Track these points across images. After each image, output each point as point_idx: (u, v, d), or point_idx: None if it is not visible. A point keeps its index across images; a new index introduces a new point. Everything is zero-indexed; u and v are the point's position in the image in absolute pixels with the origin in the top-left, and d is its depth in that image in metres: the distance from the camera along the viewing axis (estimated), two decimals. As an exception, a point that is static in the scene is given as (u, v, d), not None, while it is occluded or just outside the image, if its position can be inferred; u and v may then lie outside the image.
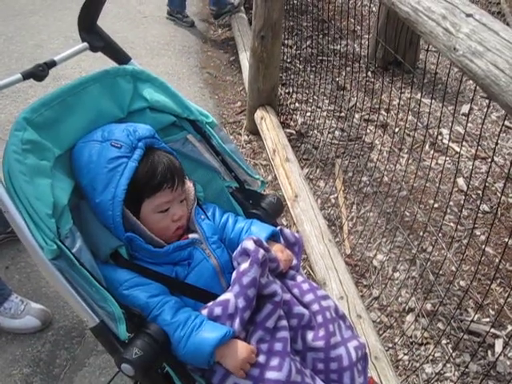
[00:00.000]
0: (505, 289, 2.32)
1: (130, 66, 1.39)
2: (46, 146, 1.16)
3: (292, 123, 3.37)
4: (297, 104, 3.51)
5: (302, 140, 3.22)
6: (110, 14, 4.45)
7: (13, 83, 1.24)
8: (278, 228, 1.36)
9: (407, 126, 3.28)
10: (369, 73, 3.75)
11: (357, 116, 3.38)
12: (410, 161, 3.02)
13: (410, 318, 2.20)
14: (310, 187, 2.64)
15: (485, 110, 3.46)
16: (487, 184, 2.86)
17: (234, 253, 1.24)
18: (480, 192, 2.82)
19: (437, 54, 3.87)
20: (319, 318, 1.24)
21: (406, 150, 3.12)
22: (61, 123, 1.22)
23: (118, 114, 1.32)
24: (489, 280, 2.33)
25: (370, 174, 2.93)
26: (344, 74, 3.49)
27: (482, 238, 2.57)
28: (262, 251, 1.18)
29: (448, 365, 2.03)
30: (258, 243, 1.20)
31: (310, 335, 1.22)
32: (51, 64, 1.31)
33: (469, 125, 3.35)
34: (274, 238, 1.33)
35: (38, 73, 1.28)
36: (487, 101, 3.55)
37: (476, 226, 2.62)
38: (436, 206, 2.72)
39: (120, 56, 1.44)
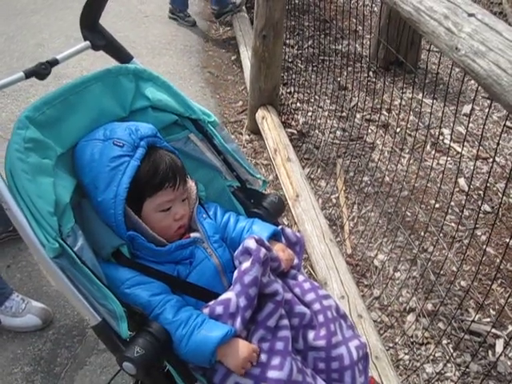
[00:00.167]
0: (506, 289, 2.32)
1: (132, 65, 1.39)
2: (48, 144, 1.16)
3: (293, 123, 3.37)
4: (298, 104, 3.51)
5: (304, 140, 3.22)
6: (112, 13, 4.45)
7: (15, 81, 1.24)
8: (280, 227, 1.36)
9: (408, 126, 3.28)
10: (370, 73, 3.75)
11: (358, 116, 3.38)
12: (411, 161, 3.02)
13: (410, 317, 2.20)
14: (311, 187, 2.64)
15: (486, 110, 3.46)
16: (488, 184, 2.86)
17: (236, 252, 1.24)
18: (481, 192, 2.82)
19: (438, 54, 3.87)
20: (320, 318, 1.24)
21: (407, 150, 3.12)
22: (63, 122, 1.22)
23: (120, 113, 1.32)
24: (490, 280, 2.33)
25: (371, 174, 2.93)
26: (345, 73, 3.48)
27: (483, 238, 2.57)
28: (263, 250, 1.18)
29: (449, 365, 2.03)
30: (259, 242, 1.20)
31: (311, 334, 1.22)
32: (53, 62, 1.31)
33: (470, 125, 3.35)
34: (275, 237, 1.33)
35: (41, 71, 1.28)
36: (488, 101, 3.55)
37: (477, 226, 2.62)
38: (437, 206, 2.72)
39: (122, 55, 1.44)
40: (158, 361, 1.12)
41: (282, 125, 3.10)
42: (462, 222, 2.62)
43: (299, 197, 2.48)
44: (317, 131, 3.26)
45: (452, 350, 2.07)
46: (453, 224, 2.63)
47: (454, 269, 2.39)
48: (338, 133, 3.23)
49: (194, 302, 1.20)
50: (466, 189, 2.84)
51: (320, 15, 4.18)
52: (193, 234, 1.28)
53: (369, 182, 2.86)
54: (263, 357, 1.14)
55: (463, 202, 2.72)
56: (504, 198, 2.78)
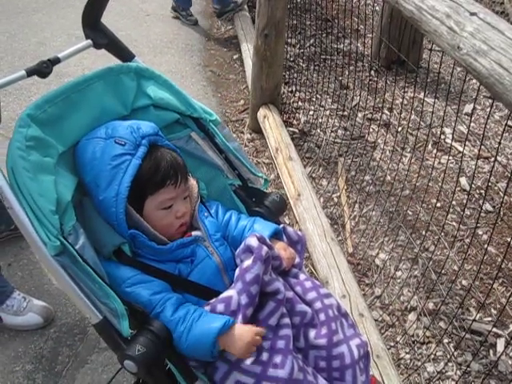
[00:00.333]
0: (507, 288, 2.32)
1: (134, 64, 1.39)
2: (50, 142, 1.17)
3: (295, 122, 3.37)
4: (300, 103, 3.50)
5: (305, 139, 3.22)
6: (113, 11, 4.45)
7: (17, 80, 1.24)
8: (281, 226, 1.36)
9: (410, 125, 3.28)
10: (372, 72, 3.75)
11: (360, 115, 3.38)
12: (412, 160, 3.01)
13: (411, 316, 2.20)
14: (312, 186, 2.64)
15: (488, 109, 3.46)
16: (490, 183, 2.86)
17: (237, 250, 1.24)
18: (483, 191, 2.82)
19: (440, 54, 3.87)
20: (322, 316, 1.24)
21: (408, 149, 3.11)
22: (64, 120, 1.22)
23: (121, 112, 1.32)
24: (491, 279, 2.33)
25: (372, 173, 2.93)
26: (347, 72, 3.48)
27: (485, 237, 2.57)
28: (265, 248, 1.18)
29: (450, 364, 2.03)
30: (261, 240, 1.20)
31: (312, 333, 1.22)
32: (55, 61, 1.31)
33: (472, 124, 3.35)
34: (276, 236, 1.33)
35: (42, 69, 1.28)
36: (490, 100, 3.55)
37: (478, 225, 2.61)
38: (438, 205, 2.72)
39: (124, 53, 1.44)
40: (160, 359, 1.12)
41: (284, 124, 3.10)
42: (463, 222, 2.62)
43: (301, 196, 2.48)
44: (318, 130, 3.26)
45: (453, 349, 2.07)
46: (454, 223, 2.63)
47: (456, 268, 2.39)
48: (340, 132, 3.23)
49: (196, 300, 1.20)
50: (468, 188, 2.84)
51: (322, 14, 4.18)
52: (194, 233, 1.28)
53: (370, 181, 2.86)
54: (264, 355, 1.14)
55: (465, 202, 2.72)
56: (505, 197, 2.78)
